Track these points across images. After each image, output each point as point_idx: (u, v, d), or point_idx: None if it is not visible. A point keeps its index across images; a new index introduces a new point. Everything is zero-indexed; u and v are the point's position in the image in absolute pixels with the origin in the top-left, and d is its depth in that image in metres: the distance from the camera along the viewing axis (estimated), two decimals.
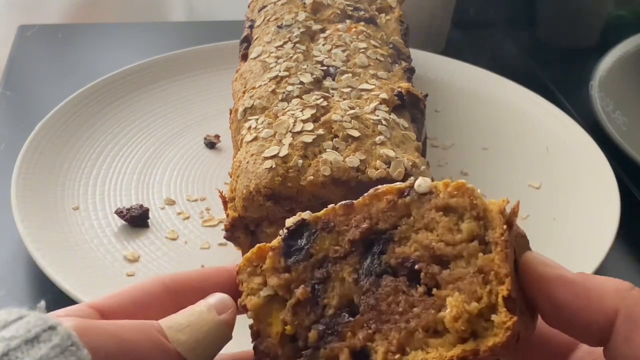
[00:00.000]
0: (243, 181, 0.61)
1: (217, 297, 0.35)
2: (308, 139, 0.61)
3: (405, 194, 0.34)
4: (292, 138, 0.61)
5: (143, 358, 0.31)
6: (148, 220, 0.70)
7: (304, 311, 0.35)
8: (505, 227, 0.32)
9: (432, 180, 0.34)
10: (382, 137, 0.61)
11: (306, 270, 0.35)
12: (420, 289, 0.33)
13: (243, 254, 0.62)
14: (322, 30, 0.74)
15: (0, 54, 1.00)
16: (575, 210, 0.73)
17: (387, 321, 0.33)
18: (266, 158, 0.60)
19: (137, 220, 0.69)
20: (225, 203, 0.64)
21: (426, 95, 0.71)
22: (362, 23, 0.76)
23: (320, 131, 0.61)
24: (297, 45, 0.72)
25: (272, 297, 0.36)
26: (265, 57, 0.72)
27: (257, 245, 0.37)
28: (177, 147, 0.81)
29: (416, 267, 0.33)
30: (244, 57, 0.77)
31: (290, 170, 0.59)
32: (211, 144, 0.81)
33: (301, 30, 0.73)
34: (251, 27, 0.79)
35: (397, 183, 0.35)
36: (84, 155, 0.78)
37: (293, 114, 0.63)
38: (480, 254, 0.32)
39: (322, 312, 0.35)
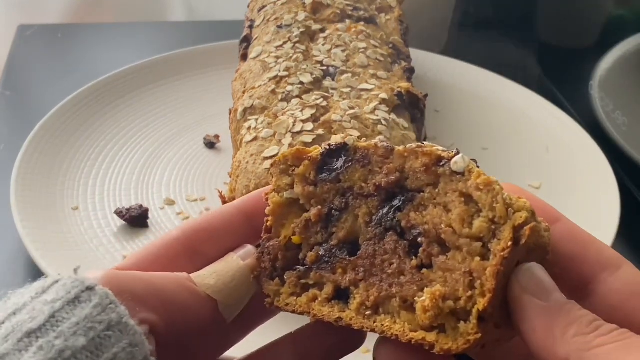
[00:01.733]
0: (243, 181, 0.61)
1: (242, 249, 0.37)
2: (308, 139, 0.61)
3: (442, 163, 0.34)
4: (291, 138, 0.61)
5: (173, 300, 0.33)
6: (148, 221, 0.70)
7: (313, 229, 0.37)
8: (510, 243, 0.31)
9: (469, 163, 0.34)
10: (381, 137, 0.61)
11: (330, 192, 0.37)
12: (414, 261, 0.34)
13: None
14: (322, 30, 0.74)
15: None
16: (575, 211, 0.73)
17: (375, 275, 0.34)
18: (266, 158, 0.60)
19: (136, 220, 0.69)
20: (224, 203, 0.64)
21: (426, 95, 0.71)
22: (362, 23, 0.76)
23: (320, 131, 0.61)
24: (297, 45, 0.72)
25: (293, 201, 0.37)
26: (265, 57, 0.72)
27: (297, 147, 0.38)
28: (176, 147, 0.81)
29: (419, 240, 0.34)
30: (244, 57, 0.77)
31: None
32: (211, 144, 0.81)
33: (301, 30, 0.73)
34: (251, 27, 0.79)
35: (440, 149, 0.35)
36: (83, 155, 0.78)
37: (293, 114, 0.63)
38: (477, 258, 0.32)
39: (327, 238, 0.36)
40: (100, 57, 1.00)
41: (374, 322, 0.34)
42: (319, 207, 0.36)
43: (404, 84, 0.69)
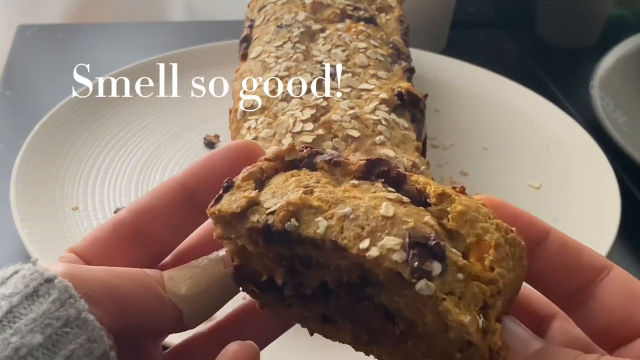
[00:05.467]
0: None
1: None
2: (308, 139, 0.61)
3: (405, 284, 0.29)
4: (291, 138, 0.61)
5: (133, 305, 0.32)
6: None
7: (282, 273, 0.33)
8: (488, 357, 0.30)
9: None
10: (382, 137, 0.61)
11: (285, 257, 0.33)
12: (397, 330, 0.31)
13: None
14: (322, 30, 0.74)
15: None
16: (575, 210, 0.73)
17: (359, 323, 0.33)
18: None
19: None
20: None
21: (426, 95, 0.71)
22: (362, 23, 0.75)
23: (320, 131, 0.61)
24: (297, 45, 0.72)
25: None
26: (265, 56, 0.71)
27: (233, 210, 0.32)
28: (176, 147, 0.81)
29: (395, 319, 0.31)
30: (244, 56, 0.77)
31: None
32: (211, 144, 0.81)
33: (301, 30, 0.73)
34: (251, 26, 0.79)
35: (394, 259, 0.29)
36: (83, 155, 0.78)
37: (293, 114, 0.63)
38: (459, 354, 0.30)
39: (298, 283, 0.33)
40: (100, 57, 1.00)
41: (372, 352, 0.33)
42: (281, 269, 0.33)
43: (404, 84, 0.69)
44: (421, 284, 0.28)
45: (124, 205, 0.71)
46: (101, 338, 0.29)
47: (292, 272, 0.33)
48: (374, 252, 0.29)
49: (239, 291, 0.35)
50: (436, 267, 0.29)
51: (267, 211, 0.31)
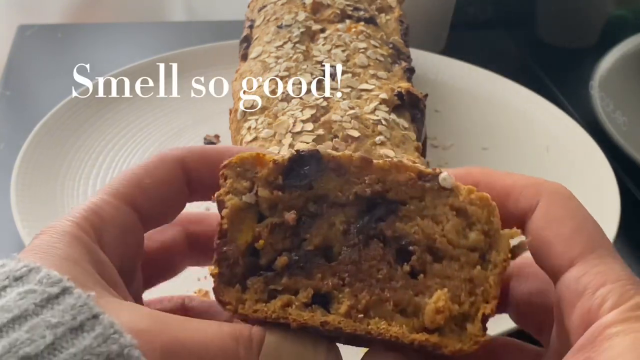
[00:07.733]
0: None
1: None
2: (308, 139, 0.61)
3: (427, 179, 0.33)
4: (292, 138, 0.61)
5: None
6: None
7: (281, 235, 0.33)
8: (510, 255, 0.32)
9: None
10: (381, 137, 0.61)
11: (300, 199, 0.33)
12: (406, 267, 0.32)
13: None
14: (322, 30, 0.74)
15: None
16: None
17: (362, 280, 0.32)
18: None
19: None
20: None
21: (426, 95, 0.71)
22: (362, 23, 0.75)
23: (320, 131, 0.61)
24: (297, 45, 0.72)
25: (249, 206, 0.33)
26: (265, 57, 0.71)
27: (257, 151, 0.34)
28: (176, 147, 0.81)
29: (410, 248, 0.32)
30: (244, 57, 0.77)
31: None
32: (211, 144, 0.81)
33: (301, 30, 0.73)
34: (251, 27, 0.79)
35: (422, 166, 0.34)
36: (83, 155, 0.78)
37: (293, 114, 0.63)
38: (478, 267, 0.32)
39: (299, 244, 0.33)
40: (100, 57, 1.00)
41: (368, 325, 0.32)
42: (293, 211, 0.33)
43: (404, 84, 0.69)
44: (444, 175, 0.33)
45: None
46: None
47: (298, 225, 0.33)
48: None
49: None
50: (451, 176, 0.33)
51: (294, 150, 0.34)
